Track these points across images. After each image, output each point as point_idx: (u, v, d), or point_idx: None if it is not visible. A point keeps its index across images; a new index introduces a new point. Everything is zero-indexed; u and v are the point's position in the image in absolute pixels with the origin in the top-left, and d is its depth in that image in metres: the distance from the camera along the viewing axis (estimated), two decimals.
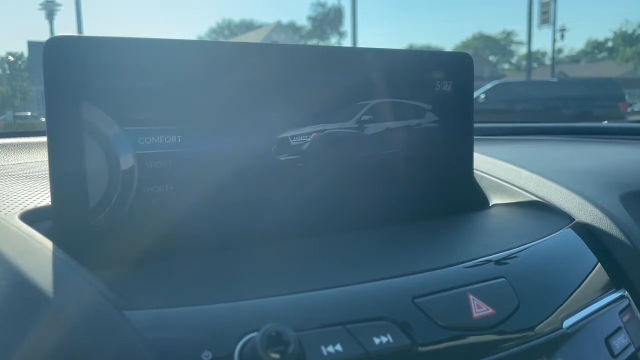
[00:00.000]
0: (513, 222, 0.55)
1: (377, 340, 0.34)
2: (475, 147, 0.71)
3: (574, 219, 0.54)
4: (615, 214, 0.55)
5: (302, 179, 0.49)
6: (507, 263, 0.43)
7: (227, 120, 0.45)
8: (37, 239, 0.36)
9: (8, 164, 0.67)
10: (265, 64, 0.46)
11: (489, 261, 0.43)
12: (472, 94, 0.61)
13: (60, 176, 0.40)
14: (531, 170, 0.66)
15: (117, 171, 0.41)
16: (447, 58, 0.58)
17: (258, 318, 0.33)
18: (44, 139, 0.40)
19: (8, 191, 0.48)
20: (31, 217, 0.41)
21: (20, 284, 0.32)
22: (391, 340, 0.34)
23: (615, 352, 0.41)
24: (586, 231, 0.53)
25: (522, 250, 0.46)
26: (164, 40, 0.42)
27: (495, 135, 1.21)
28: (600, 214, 0.54)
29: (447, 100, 0.57)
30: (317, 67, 0.48)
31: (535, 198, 0.60)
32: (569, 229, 0.52)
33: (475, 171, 0.64)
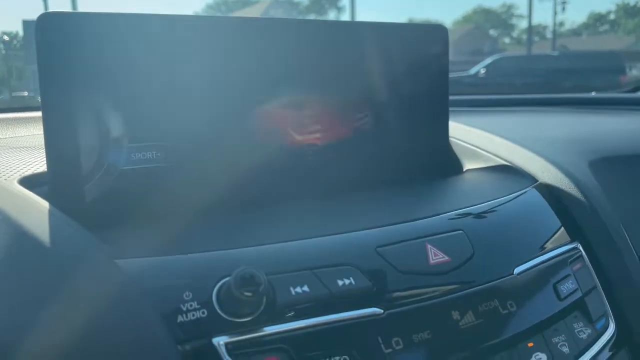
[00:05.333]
0: (480, 184, 0.59)
1: (340, 282, 0.38)
2: (457, 118, 0.75)
3: (537, 180, 0.58)
4: (577, 176, 0.58)
5: (280, 147, 0.52)
6: (466, 218, 0.47)
7: (217, 89, 0.48)
8: (35, 199, 0.40)
9: (6, 137, 0.71)
10: (250, 36, 0.49)
11: (449, 216, 0.47)
12: (447, 65, 0.65)
13: (55, 145, 0.44)
14: (503, 137, 0.70)
15: (108, 140, 0.45)
16: (422, 30, 0.61)
17: (234, 264, 0.37)
18: (40, 113, 0.43)
19: (7, 161, 0.52)
20: (29, 182, 0.45)
21: (20, 236, 0.36)
22: (353, 282, 0.38)
23: (562, 296, 0.45)
24: (548, 191, 0.56)
25: (481, 207, 0.50)
26: (155, 15, 0.46)
27: (479, 107, 1.25)
28: (561, 176, 0.58)
29: (423, 71, 0.61)
30: (287, 41, 0.51)
31: (504, 162, 0.63)
32: (532, 189, 0.56)
33: (451, 138, 0.68)
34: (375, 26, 0.58)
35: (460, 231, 0.45)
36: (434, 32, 0.63)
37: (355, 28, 0.56)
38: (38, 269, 0.34)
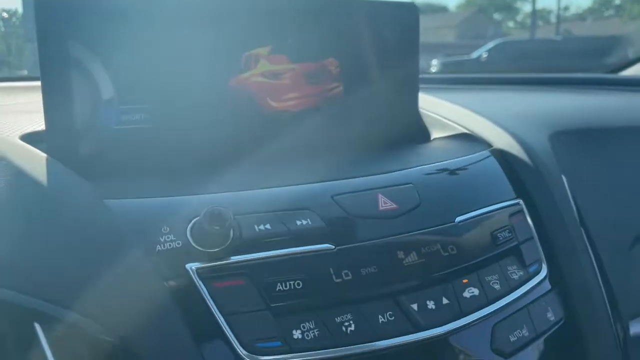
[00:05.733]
0: (438, 148, 0.65)
1: (298, 222, 0.44)
2: (436, 94, 0.80)
3: (492, 146, 0.64)
4: (528, 142, 0.64)
5: (256, 112, 0.58)
6: (417, 174, 0.53)
7: (198, 57, 0.54)
8: (34, 151, 0.46)
9: (8, 104, 0.77)
10: None
11: (402, 172, 0.53)
12: (417, 41, 0.70)
13: (52, 104, 0.50)
14: (469, 109, 0.75)
15: (100, 100, 0.51)
16: (393, 7, 0.67)
17: (206, 206, 0.43)
18: (39, 83, 0.49)
19: (8, 122, 0.58)
20: (29, 139, 0.51)
21: (21, 179, 0.42)
22: (310, 222, 0.45)
23: (498, 243, 0.51)
24: (501, 155, 0.62)
25: (433, 166, 0.56)
26: None
27: (460, 85, 1.30)
28: (514, 142, 0.63)
29: (393, 46, 0.66)
30: (263, 10, 0.57)
31: (466, 131, 0.69)
32: (485, 152, 0.62)
33: (422, 110, 0.74)
34: (348, 2, 0.63)
35: (410, 184, 0.51)
36: (404, 10, 0.68)
37: (329, 3, 0.61)
38: (37, 204, 0.41)
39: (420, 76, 0.72)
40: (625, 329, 0.58)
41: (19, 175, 0.43)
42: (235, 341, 0.39)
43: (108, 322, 0.37)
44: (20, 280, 0.37)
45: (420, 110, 0.73)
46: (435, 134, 0.73)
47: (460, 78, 1.40)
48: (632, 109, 1.04)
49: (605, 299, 0.55)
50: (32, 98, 0.81)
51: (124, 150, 0.53)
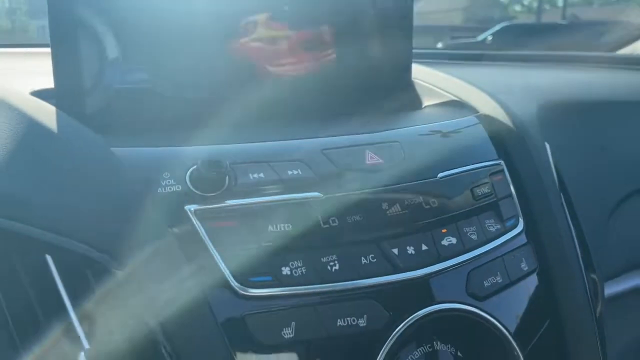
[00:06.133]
0: (428, 114, 0.68)
1: (289, 172, 0.48)
2: (436, 68, 0.83)
3: (479, 112, 0.67)
4: (513, 109, 0.67)
5: (253, 75, 0.62)
6: (404, 133, 0.57)
7: (198, 22, 0.57)
8: (44, 104, 0.50)
9: (19, 68, 0.80)
10: None
11: (390, 132, 0.56)
12: (411, 9, 0.73)
13: (60, 63, 0.53)
14: (460, 79, 0.78)
15: (105, 60, 0.55)
16: None
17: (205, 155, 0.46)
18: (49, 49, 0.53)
19: (19, 83, 0.61)
20: (39, 95, 0.54)
21: (32, 129, 0.46)
22: (300, 173, 0.48)
23: (477, 198, 0.55)
24: (487, 120, 0.65)
25: (421, 127, 0.59)
26: None
27: (460, 60, 1.33)
28: (499, 108, 0.67)
29: (388, 15, 0.69)
30: None
31: (456, 98, 0.72)
32: (472, 117, 0.65)
33: (414, 79, 0.77)
34: None
35: (397, 142, 0.54)
36: None
37: None
38: (47, 148, 0.44)
39: (421, 51, 0.75)
40: (597, 285, 0.61)
41: (31, 124, 0.46)
42: (230, 275, 0.43)
43: (116, 253, 0.41)
44: (33, 215, 0.41)
45: (413, 79, 0.76)
46: (426, 102, 0.76)
47: (460, 54, 1.42)
48: (625, 85, 1.07)
49: (579, 256, 0.58)
50: (43, 62, 0.85)
51: (127, 107, 0.57)
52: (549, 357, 0.54)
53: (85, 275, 0.41)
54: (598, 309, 0.59)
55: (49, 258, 0.41)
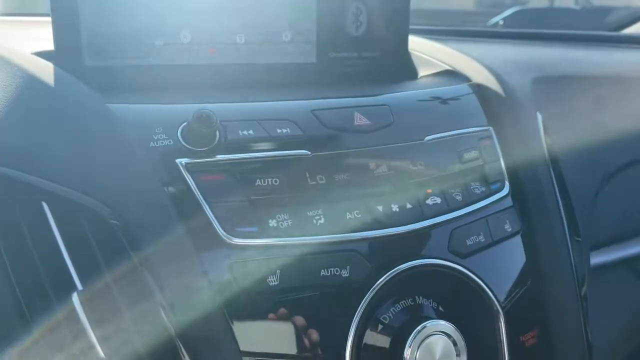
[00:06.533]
0: (421, 82, 0.70)
1: (278, 130, 0.49)
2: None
3: (471, 81, 0.68)
4: (506, 79, 0.68)
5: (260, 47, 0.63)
6: (394, 97, 0.58)
7: None
8: (45, 63, 0.51)
9: (22, 34, 0.82)
10: None
11: (380, 96, 0.58)
12: None
13: (60, 27, 0.55)
14: (457, 50, 0.79)
15: (103, 25, 0.56)
16: None
17: None
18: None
19: (23, 44, 0.63)
20: (40, 55, 0.56)
21: (32, 84, 0.47)
22: (289, 131, 0.50)
23: (463, 161, 0.56)
24: (479, 88, 0.66)
25: (412, 93, 0.60)
26: None
27: (464, 37, 1.33)
28: (492, 78, 0.67)
29: None
30: None
31: (450, 68, 0.73)
32: (463, 85, 0.66)
33: (411, 51, 0.77)
34: None
35: (386, 106, 0.56)
36: None
37: None
38: (47, 101, 0.46)
39: (424, 27, 0.75)
40: (582, 251, 0.63)
41: (31, 80, 0.48)
42: (218, 225, 0.45)
43: (110, 203, 0.42)
44: (31, 164, 0.43)
45: (410, 50, 0.77)
46: (421, 72, 0.76)
47: (463, 31, 1.42)
48: (624, 62, 1.07)
49: (564, 221, 0.60)
50: (45, 30, 0.86)
51: (122, 71, 0.58)
52: (529, 315, 0.55)
53: (80, 223, 0.43)
54: (582, 273, 0.61)
55: (45, 206, 0.43)
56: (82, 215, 0.43)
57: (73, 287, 0.41)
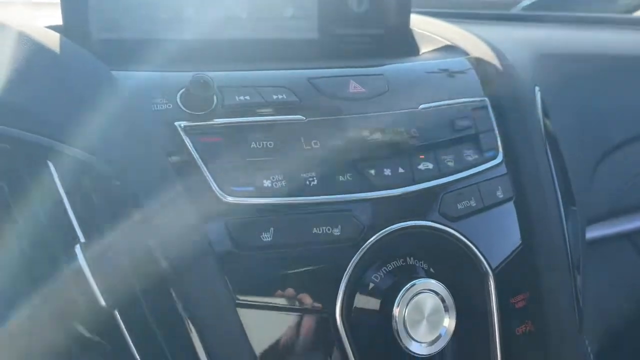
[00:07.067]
0: (422, 57, 0.71)
1: (274, 96, 0.51)
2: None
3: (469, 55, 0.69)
4: (505, 53, 0.69)
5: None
6: (390, 67, 0.60)
7: None
8: (56, 35, 0.54)
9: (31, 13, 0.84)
10: None
11: (377, 66, 0.59)
12: None
13: (69, 2, 0.57)
14: (458, 27, 0.80)
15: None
16: None
17: None
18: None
19: (35, 21, 0.66)
20: (52, 29, 0.58)
21: (43, 54, 0.50)
22: (285, 97, 0.52)
23: (457, 129, 0.57)
24: (477, 62, 0.67)
25: (408, 64, 0.62)
26: None
27: (471, 19, 1.33)
28: (491, 52, 0.68)
29: None
30: None
31: (450, 44, 0.74)
32: (461, 58, 0.67)
33: (413, 28, 0.79)
34: None
35: (382, 75, 0.57)
36: None
37: None
38: (56, 67, 0.49)
39: (432, 10, 0.76)
40: (577, 220, 0.64)
41: (41, 49, 0.50)
42: (215, 185, 0.47)
43: (112, 161, 0.45)
44: (38, 125, 0.45)
45: (413, 28, 0.77)
46: (423, 48, 0.78)
47: (473, 14, 1.42)
48: (629, 42, 1.07)
49: (557, 189, 0.61)
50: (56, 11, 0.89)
51: (130, 45, 0.61)
52: (520, 278, 0.56)
53: (85, 182, 0.45)
54: (575, 241, 0.62)
55: (50, 164, 0.45)
56: (84, 172, 0.45)
57: (76, 240, 0.44)
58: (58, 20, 0.62)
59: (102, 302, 0.43)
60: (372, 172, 0.51)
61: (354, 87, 0.55)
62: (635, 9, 1.49)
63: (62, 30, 0.57)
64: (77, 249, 0.43)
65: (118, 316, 0.43)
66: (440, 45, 0.75)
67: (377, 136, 0.53)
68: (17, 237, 0.45)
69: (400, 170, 0.53)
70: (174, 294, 0.44)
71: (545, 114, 0.68)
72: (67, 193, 0.45)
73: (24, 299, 0.44)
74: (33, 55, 0.49)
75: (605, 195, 0.79)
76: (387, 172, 0.52)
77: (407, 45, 0.77)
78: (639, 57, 0.93)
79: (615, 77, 0.87)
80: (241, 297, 0.45)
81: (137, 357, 0.44)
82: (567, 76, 0.83)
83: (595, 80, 0.84)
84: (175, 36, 0.63)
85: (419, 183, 0.53)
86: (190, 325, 0.44)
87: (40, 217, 0.45)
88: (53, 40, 0.51)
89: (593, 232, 0.76)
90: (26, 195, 0.45)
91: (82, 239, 0.44)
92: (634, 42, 1.04)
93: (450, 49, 0.72)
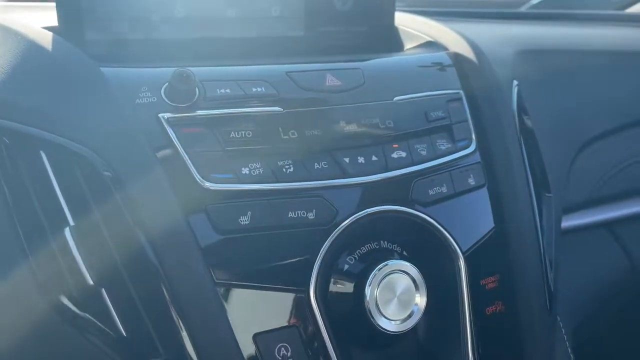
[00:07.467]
0: (403, 53, 0.74)
1: (254, 89, 0.54)
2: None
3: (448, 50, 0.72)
4: (482, 48, 0.72)
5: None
6: (368, 62, 0.63)
7: None
8: (48, 33, 0.57)
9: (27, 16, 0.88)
10: None
11: (354, 61, 0.62)
12: None
13: (63, 4, 0.60)
14: (442, 24, 0.83)
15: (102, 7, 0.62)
16: None
17: None
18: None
19: (33, 22, 0.69)
20: (48, 29, 0.62)
21: (39, 52, 0.53)
22: (264, 90, 0.55)
23: (430, 120, 0.60)
24: (455, 57, 0.70)
25: (387, 59, 0.65)
26: None
27: (462, 17, 1.36)
28: (468, 47, 0.71)
29: None
30: None
31: (432, 40, 0.77)
32: (440, 53, 0.70)
33: (398, 25, 0.81)
34: None
35: (358, 69, 0.60)
36: None
37: None
38: (50, 66, 0.52)
39: (420, 9, 0.79)
40: (551, 207, 0.67)
41: (35, 47, 0.54)
42: (196, 172, 0.50)
43: (101, 151, 0.48)
44: (32, 118, 0.49)
45: (397, 25, 0.80)
46: (408, 45, 0.80)
47: (465, 12, 1.45)
48: (615, 37, 1.09)
49: (529, 177, 0.63)
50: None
51: (122, 44, 0.64)
52: (491, 261, 0.59)
53: (75, 173, 0.48)
54: (549, 226, 0.64)
55: (43, 154, 0.49)
56: (74, 161, 0.48)
57: (66, 223, 0.47)
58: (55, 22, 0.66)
59: (90, 281, 0.46)
60: (347, 160, 0.54)
61: (330, 80, 0.58)
62: (628, 6, 1.51)
63: (57, 31, 0.61)
64: (67, 231, 0.46)
65: (105, 294, 0.47)
66: (422, 42, 0.78)
67: (352, 127, 0.56)
68: (11, 222, 0.48)
69: (374, 158, 0.55)
70: (157, 274, 0.47)
71: (521, 106, 0.71)
72: (57, 180, 0.48)
73: (14, 273, 0.47)
74: (27, 53, 0.53)
75: (584, 186, 0.81)
76: (361, 160, 0.55)
77: (391, 42, 0.79)
78: (620, 52, 0.95)
79: (595, 71, 0.89)
80: (220, 277, 0.48)
81: (123, 332, 0.47)
82: (547, 71, 0.85)
83: (575, 75, 0.87)
84: (165, 35, 0.66)
85: (392, 170, 0.56)
86: (173, 302, 0.47)
87: (33, 203, 0.48)
88: (46, 40, 0.54)
89: (572, 221, 0.78)
90: (20, 182, 0.49)
91: (72, 222, 0.47)
92: (617, 37, 1.07)
93: (431, 45, 0.75)
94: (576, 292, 0.75)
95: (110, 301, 0.47)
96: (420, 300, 0.52)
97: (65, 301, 0.47)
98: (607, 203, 0.83)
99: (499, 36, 0.92)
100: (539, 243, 0.62)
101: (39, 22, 0.69)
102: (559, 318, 0.65)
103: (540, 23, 1.33)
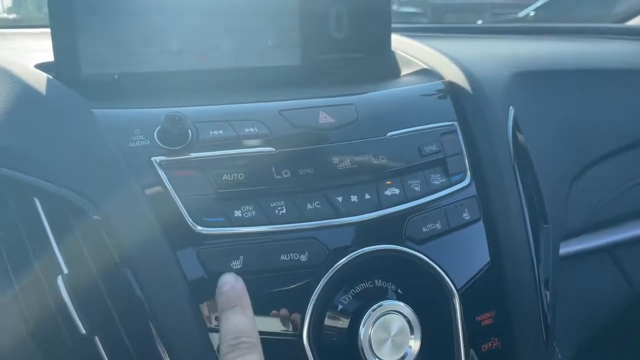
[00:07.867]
0: (400, 82, 0.74)
1: (247, 130, 0.55)
2: (425, 41, 0.87)
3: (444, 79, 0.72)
4: (476, 75, 0.72)
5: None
6: (361, 96, 0.63)
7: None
8: (41, 74, 0.57)
9: (25, 46, 0.89)
10: None
11: (348, 96, 0.62)
12: None
13: (59, 40, 0.61)
14: (437, 49, 0.83)
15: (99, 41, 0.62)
16: None
17: None
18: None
19: (26, 56, 0.70)
20: (41, 68, 0.62)
21: (30, 95, 0.54)
22: (257, 130, 0.55)
23: (424, 154, 0.60)
24: (450, 86, 0.70)
25: (380, 92, 0.65)
26: None
27: (454, 33, 1.36)
28: (462, 75, 0.71)
29: None
30: None
31: (427, 67, 0.77)
32: (434, 82, 0.70)
33: (395, 50, 0.81)
34: None
35: (352, 105, 0.60)
36: None
37: None
38: (42, 110, 0.53)
39: (413, 25, 0.79)
40: (549, 240, 0.66)
41: (29, 91, 0.54)
42: (187, 216, 0.50)
43: (93, 198, 0.48)
44: (25, 165, 0.49)
45: (394, 50, 0.80)
46: (405, 71, 0.80)
47: (457, 27, 1.45)
48: (614, 53, 1.09)
49: (525, 211, 0.63)
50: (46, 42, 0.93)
51: (119, 79, 0.64)
52: (486, 297, 0.59)
53: (69, 219, 0.49)
54: (545, 259, 0.64)
55: (36, 201, 0.49)
56: (68, 208, 0.48)
57: (59, 271, 0.47)
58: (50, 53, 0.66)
59: (82, 330, 0.46)
60: (339, 199, 0.54)
61: (323, 118, 0.58)
62: (628, 18, 1.50)
63: (53, 68, 0.61)
64: (59, 280, 0.47)
65: (98, 342, 0.47)
66: (417, 69, 0.78)
67: (345, 164, 0.56)
68: (4, 268, 0.48)
69: (367, 196, 0.56)
70: (150, 322, 0.47)
71: (517, 134, 0.71)
72: (51, 227, 0.48)
73: (7, 323, 0.47)
74: (20, 95, 0.53)
75: (583, 210, 0.81)
76: (354, 198, 0.55)
77: (389, 68, 0.79)
78: (620, 70, 0.95)
79: (594, 91, 0.89)
80: (214, 323, 0.48)
81: None
82: (544, 93, 0.85)
83: (573, 96, 0.86)
84: (161, 68, 0.66)
85: (385, 208, 0.56)
86: (167, 349, 0.47)
87: (27, 249, 0.49)
88: (40, 81, 0.55)
89: (572, 247, 0.78)
90: (14, 228, 0.49)
91: (65, 270, 0.47)
92: (617, 53, 1.06)
93: (427, 73, 0.75)
94: (574, 320, 0.75)
95: (103, 349, 0.47)
96: (415, 343, 0.52)
97: (59, 350, 0.47)
98: (606, 227, 0.83)
99: (495, 57, 0.91)
100: (535, 276, 0.62)
101: (33, 55, 0.70)
102: (557, 349, 0.64)
103: (537, 38, 1.33)
